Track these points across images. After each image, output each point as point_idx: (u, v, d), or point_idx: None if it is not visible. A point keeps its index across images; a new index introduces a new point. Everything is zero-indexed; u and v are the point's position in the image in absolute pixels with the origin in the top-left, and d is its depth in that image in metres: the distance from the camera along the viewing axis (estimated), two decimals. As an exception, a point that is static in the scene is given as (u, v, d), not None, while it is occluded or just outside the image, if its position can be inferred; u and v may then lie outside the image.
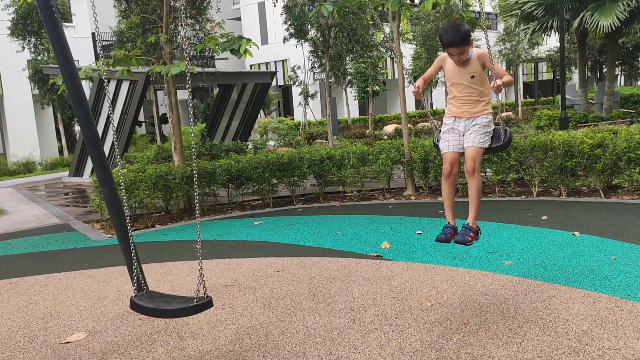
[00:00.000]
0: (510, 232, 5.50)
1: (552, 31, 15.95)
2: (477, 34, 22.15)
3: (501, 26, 26.57)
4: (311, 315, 3.63)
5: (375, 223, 6.43)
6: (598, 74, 27.77)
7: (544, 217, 6.02)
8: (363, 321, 3.47)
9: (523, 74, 37.86)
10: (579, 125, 14.20)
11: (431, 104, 33.64)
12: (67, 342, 3.54)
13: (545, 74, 37.99)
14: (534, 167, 7.60)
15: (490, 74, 3.38)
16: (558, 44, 22.14)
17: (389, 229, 6.08)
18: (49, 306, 4.29)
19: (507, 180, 7.73)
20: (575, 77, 30.16)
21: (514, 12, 16.15)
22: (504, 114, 22.73)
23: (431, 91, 30.28)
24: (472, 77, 3.32)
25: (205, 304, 2.82)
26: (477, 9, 22.66)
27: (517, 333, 3.13)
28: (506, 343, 3.02)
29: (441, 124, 3.55)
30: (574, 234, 5.19)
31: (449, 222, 3.39)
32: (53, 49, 3.11)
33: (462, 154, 3.41)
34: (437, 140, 3.57)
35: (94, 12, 3.21)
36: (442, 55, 3.45)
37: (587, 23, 14.29)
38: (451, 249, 5.02)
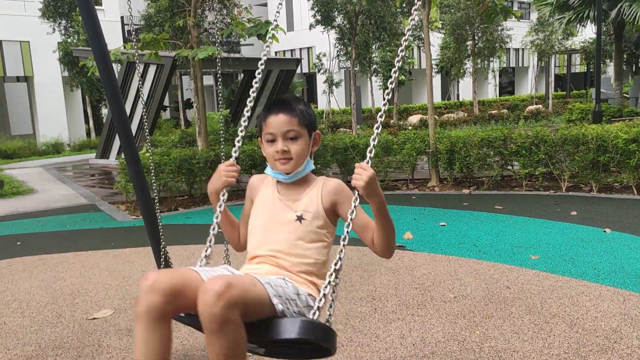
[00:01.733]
0: (537, 226, 5.38)
1: (589, 22, 15.46)
2: (509, 24, 21.62)
3: (534, 15, 25.86)
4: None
5: (398, 213, 6.37)
6: (634, 68, 26.90)
7: (573, 213, 5.87)
8: (385, 310, 3.44)
9: (555, 66, 36.88)
10: (613, 119, 13.79)
11: (458, 95, 33.13)
12: (94, 318, 3.61)
13: (578, 67, 36.96)
14: (564, 161, 7.41)
15: None
16: (593, 35, 21.48)
17: (412, 219, 6.01)
18: (76, 283, 4.38)
19: (535, 174, 7.56)
20: (609, 70, 29.28)
21: (549, 0, 15.69)
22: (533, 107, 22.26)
23: (458, 82, 29.79)
24: None
25: None
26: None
27: (543, 329, 3.07)
28: (531, 338, 2.96)
29: None
30: (604, 231, 5.05)
31: None
32: (85, 27, 3.13)
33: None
34: None
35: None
36: None
37: (625, 14, 13.82)
38: (475, 242, 4.94)
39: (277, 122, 1.73)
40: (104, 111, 22.92)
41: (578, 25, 16.07)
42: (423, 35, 8.57)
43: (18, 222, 7.23)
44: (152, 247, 3.60)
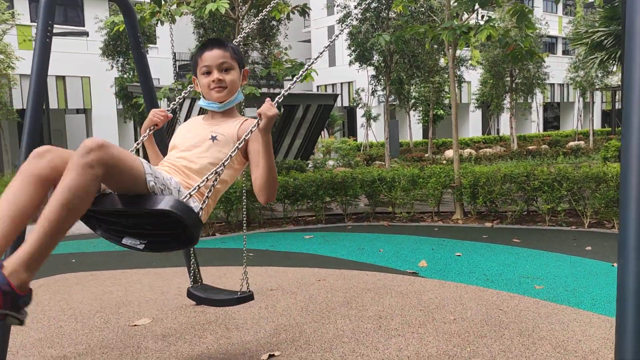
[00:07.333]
0: (549, 259, 5.61)
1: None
2: (546, 60, 21.65)
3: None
4: (342, 320, 4.03)
5: (418, 243, 6.71)
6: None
7: (588, 248, 6.05)
8: (388, 327, 3.82)
9: (602, 102, 36.25)
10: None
11: (498, 130, 33.03)
12: (135, 325, 4.16)
13: (624, 102, 36.14)
14: (587, 198, 7.57)
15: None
16: None
17: (430, 249, 6.35)
18: (121, 295, 4.98)
19: (558, 210, 7.73)
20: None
21: (583, 40, 15.83)
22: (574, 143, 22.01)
23: (498, 116, 29.79)
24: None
25: (247, 297, 3.31)
26: (544, 32, 22.22)
27: (528, 348, 3.36)
28: (516, 356, 3.26)
29: None
30: (612, 265, 5.23)
31: None
32: (137, 74, 3.79)
33: None
34: None
35: (172, 38, 3.88)
36: None
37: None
38: (486, 272, 5.24)
39: (212, 55, 1.98)
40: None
41: (614, 65, 16.07)
42: (449, 73, 9.00)
43: (73, 242, 8.01)
44: (187, 265, 4.16)
